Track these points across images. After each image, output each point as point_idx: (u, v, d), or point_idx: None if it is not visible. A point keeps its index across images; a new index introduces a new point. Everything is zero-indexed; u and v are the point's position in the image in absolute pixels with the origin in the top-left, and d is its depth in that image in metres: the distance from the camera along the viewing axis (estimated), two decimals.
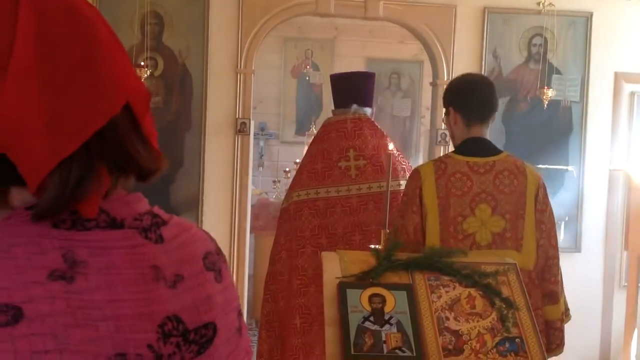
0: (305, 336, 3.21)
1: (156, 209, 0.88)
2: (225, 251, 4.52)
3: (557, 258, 2.71)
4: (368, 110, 3.39)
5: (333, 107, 3.47)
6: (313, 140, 3.49)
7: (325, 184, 3.27)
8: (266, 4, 4.57)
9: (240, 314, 0.92)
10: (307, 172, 3.34)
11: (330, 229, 3.25)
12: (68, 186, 0.77)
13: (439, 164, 2.66)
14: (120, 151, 0.82)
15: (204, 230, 0.93)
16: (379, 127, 3.41)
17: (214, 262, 0.89)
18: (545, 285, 2.68)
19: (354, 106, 3.35)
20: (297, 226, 3.29)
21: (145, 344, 0.78)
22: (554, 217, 2.74)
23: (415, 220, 2.61)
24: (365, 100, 3.38)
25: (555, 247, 2.71)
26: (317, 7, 4.66)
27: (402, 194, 2.77)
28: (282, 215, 3.40)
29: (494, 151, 2.69)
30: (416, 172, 2.70)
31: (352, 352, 1.99)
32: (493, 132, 4.57)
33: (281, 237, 3.36)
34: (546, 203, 2.68)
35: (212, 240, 0.93)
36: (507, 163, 2.65)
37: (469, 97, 2.71)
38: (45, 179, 0.76)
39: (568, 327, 2.74)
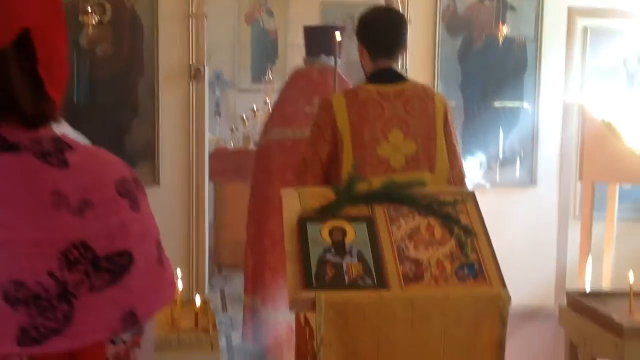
0: (271, 255, 3.74)
1: (62, 135, 0.83)
2: (184, 200, 4.51)
3: (466, 177, 2.84)
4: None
5: (304, 55, 4.03)
6: (284, 86, 4.02)
7: (292, 126, 3.74)
8: None
9: (159, 245, 0.88)
10: (277, 115, 3.89)
11: (294, 166, 3.56)
12: None
13: (349, 93, 2.79)
14: (0, 88, 0.77)
15: (118, 158, 0.88)
16: (343, 77, 3.82)
17: (129, 189, 0.85)
18: None
19: (322, 56, 3.87)
20: (266, 163, 3.82)
21: (45, 272, 0.75)
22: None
23: (327, 149, 2.70)
24: (333, 51, 3.74)
25: (462, 167, 2.83)
26: None
27: (312, 125, 2.81)
28: (257, 153, 4.00)
29: (402, 79, 2.80)
30: (327, 102, 2.78)
31: (314, 285, 2.00)
32: (449, 71, 4.62)
33: (256, 172, 3.92)
34: (453, 126, 2.80)
35: (128, 168, 0.88)
36: (415, 89, 2.75)
37: (371, 32, 2.81)
38: None
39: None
